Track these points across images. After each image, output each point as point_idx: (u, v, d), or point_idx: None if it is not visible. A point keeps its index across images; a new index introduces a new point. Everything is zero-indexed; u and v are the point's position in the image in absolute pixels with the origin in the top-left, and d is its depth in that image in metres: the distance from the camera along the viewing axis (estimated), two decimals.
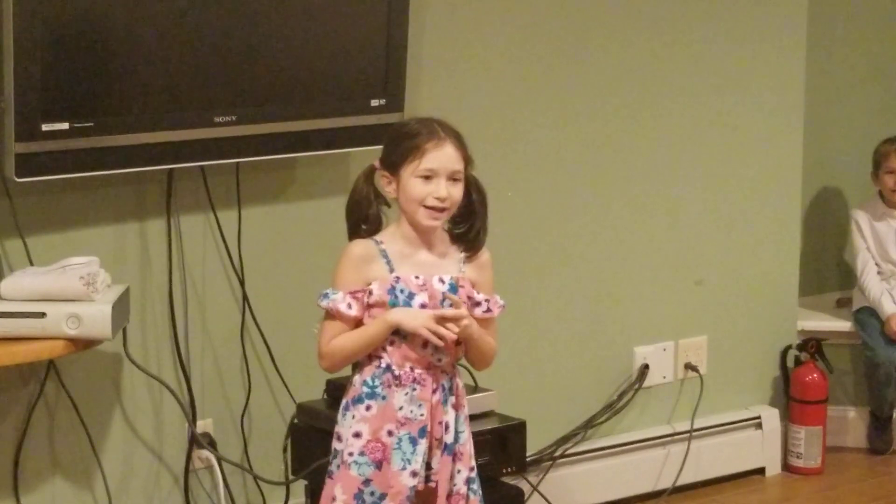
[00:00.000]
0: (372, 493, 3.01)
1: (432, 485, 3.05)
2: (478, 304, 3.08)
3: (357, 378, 3.06)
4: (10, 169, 3.32)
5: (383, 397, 3.02)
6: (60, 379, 3.61)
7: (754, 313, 4.76)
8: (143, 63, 3.45)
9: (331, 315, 3.02)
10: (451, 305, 3.00)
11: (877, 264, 4.92)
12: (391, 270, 3.02)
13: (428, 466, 3.04)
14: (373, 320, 3.00)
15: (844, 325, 4.92)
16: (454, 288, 3.03)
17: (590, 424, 4.43)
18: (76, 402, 3.63)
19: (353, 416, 3.03)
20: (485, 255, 3.11)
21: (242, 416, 3.87)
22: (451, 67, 4.08)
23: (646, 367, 4.53)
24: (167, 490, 3.80)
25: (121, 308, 3.41)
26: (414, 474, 3.00)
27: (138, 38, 3.43)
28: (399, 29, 3.78)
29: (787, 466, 4.79)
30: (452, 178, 3.00)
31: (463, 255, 3.08)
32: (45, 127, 3.31)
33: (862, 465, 4.86)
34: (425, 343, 3.00)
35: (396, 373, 3.02)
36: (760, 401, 4.82)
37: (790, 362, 4.82)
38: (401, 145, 3.01)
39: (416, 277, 3.02)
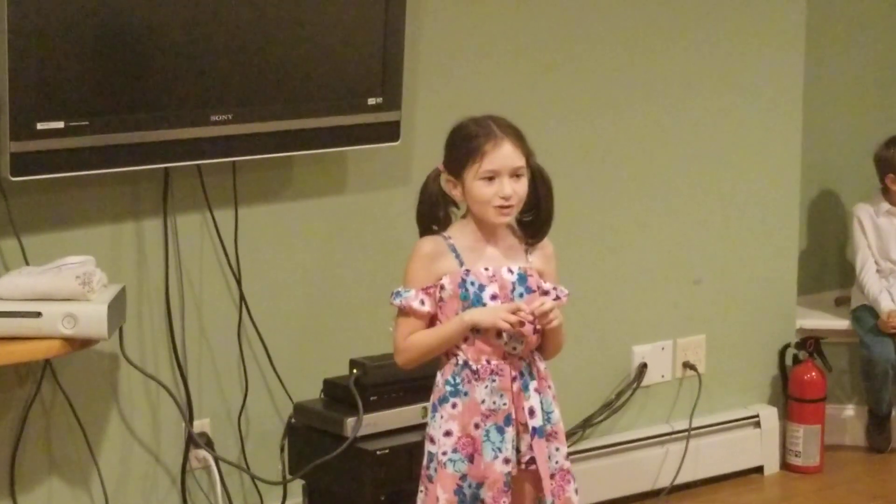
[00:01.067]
0: (470, 486, 3.08)
1: (523, 467, 3.11)
2: (546, 292, 3.14)
3: (440, 378, 3.13)
4: (6, 168, 3.31)
5: (465, 393, 3.09)
6: (57, 379, 3.59)
7: (752, 312, 4.74)
8: (138, 62, 3.44)
9: (404, 312, 3.08)
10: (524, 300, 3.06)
11: (876, 262, 4.89)
12: (461, 264, 3.08)
13: (517, 451, 3.10)
14: (449, 320, 3.07)
15: (843, 324, 4.90)
16: (523, 277, 3.10)
17: (588, 424, 4.42)
18: (73, 402, 3.62)
19: (442, 416, 3.10)
20: (549, 246, 3.20)
21: (240, 415, 3.87)
22: (448, 65, 4.07)
23: (644, 365, 4.52)
24: (164, 490, 3.79)
25: (117, 307, 3.40)
26: (507, 461, 3.07)
27: (134, 37, 3.42)
28: (396, 27, 3.77)
29: (785, 465, 4.78)
30: (515, 174, 3.07)
31: (525, 246, 3.15)
32: (40, 126, 3.30)
33: (860, 463, 4.84)
34: (499, 333, 3.05)
35: (474, 367, 3.08)
36: (759, 399, 4.81)
37: (788, 361, 4.81)
38: (460, 149, 3.08)
39: (486, 269, 3.08)
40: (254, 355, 3.87)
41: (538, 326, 3.07)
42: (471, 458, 3.08)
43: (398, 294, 3.08)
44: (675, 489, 4.51)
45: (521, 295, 3.10)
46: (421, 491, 3.14)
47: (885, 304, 4.77)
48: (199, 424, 3.80)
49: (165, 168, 3.64)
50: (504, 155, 3.04)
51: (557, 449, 3.16)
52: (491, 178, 3.04)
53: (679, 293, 4.59)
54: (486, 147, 3.04)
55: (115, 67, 3.40)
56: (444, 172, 3.11)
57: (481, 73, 4.13)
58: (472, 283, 3.07)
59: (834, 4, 5.07)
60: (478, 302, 3.07)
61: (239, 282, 3.82)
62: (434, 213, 3.12)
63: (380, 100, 3.77)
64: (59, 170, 3.38)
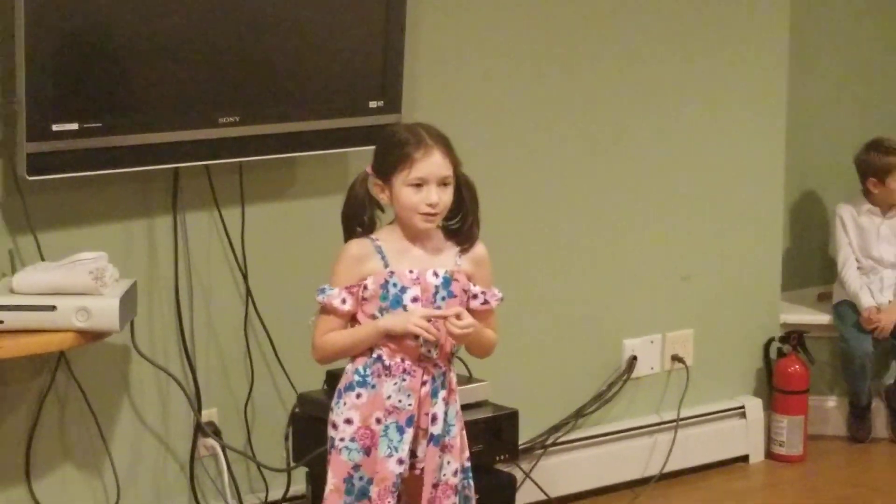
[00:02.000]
0: (361, 478, 3.03)
1: (417, 472, 3.05)
2: (475, 296, 3.08)
3: (350, 367, 3.08)
4: (22, 168, 3.32)
5: (373, 386, 3.03)
6: (70, 370, 3.60)
7: (738, 307, 4.74)
8: (149, 66, 3.45)
9: (326, 310, 3.04)
10: (442, 307, 3.00)
11: (857, 259, 4.90)
12: (386, 265, 3.03)
13: (412, 454, 3.05)
14: (364, 324, 3.02)
15: (825, 319, 4.91)
16: (448, 281, 3.04)
17: (580, 414, 4.42)
18: (86, 392, 3.62)
19: (345, 404, 3.05)
20: (480, 249, 3.11)
21: (246, 405, 3.87)
22: (446, 69, 4.07)
23: (634, 358, 4.52)
24: (173, 477, 3.80)
25: (128, 301, 3.41)
26: (400, 462, 3.02)
27: (145, 42, 3.43)
28: (397, 32, 3.78)
29: (770, 454, 4.78)
30: (442, 183, 3.01)
31: (458, 249, 3.08)
32: (55, 127, 3.31)
33: (842, 452, 4.85)
34: (416, 335, 3.00)
35: (387, 363, 3.03)
36: (744, 391, 4.81)
37: (773, 354, 4.81)
38: (391, 154, 3.02)
39: (411, 272, 3.03)
40: (259, 348, 3.87)
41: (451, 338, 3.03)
42: (367, 451, 3.01)
43: (322, 291, 3.03)
44: (664, 477, 4.51)
45: (443, 298, 3.03)
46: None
47: (866, 301, 4.79)
48: (207, 414, 3.80)
49: (175, 168, 3.64)
50: (433, 163, 2.99)
51: (448, 462, 3.05)
52: (419, 185, 2.98)
53: (668, 289, 4.59)
54: (417, 155, 2.98)
55: (127, 71, 3.41)
56: (372, 176, 3.05)
57: (478, 77, 4.13)
58: (395, 285, 3.01)
59: (816, 11, 5.07)
60: (397, 304, 3.01)
61: (245, 277, 3.82)
62: (359, 215, 3.06)
63: (380, 103, 3.77)
64: (74, 169, 3.38)
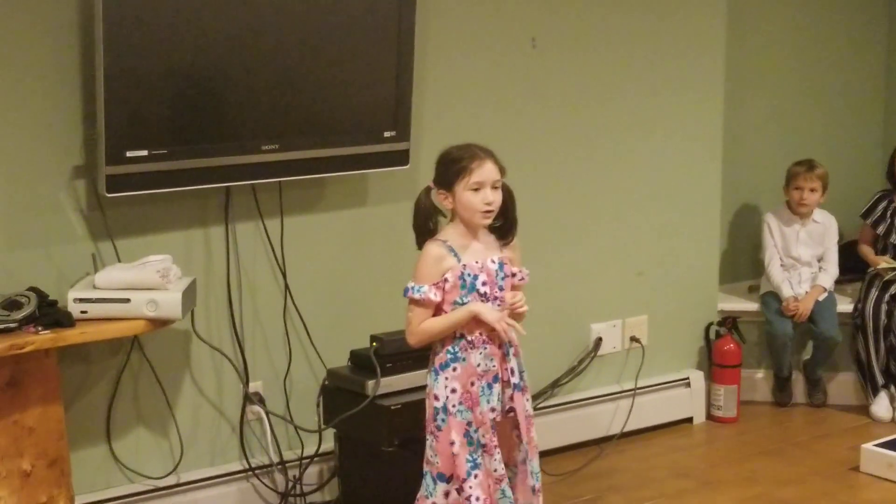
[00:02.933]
0: (475, 431, 3.08)
1: (512, 415, 3.12)
2: (514, 274, 3.17)
3: (440, 348, 3.12)
4: (102, 187, 3.31)
5: (463, 359, 3.09)
6: (143, 351, 3.59)
7: (684, 297, 4.73)
8: (205, 104, 3.44)
9: (419, 303, 3.08)
10: (502, 286, 3.10)
11: (781, 259, 4.86)
12: (459, 261, 3.09)
13: (501, 402, 3.12)
14: (457, 309, 3.06)
15: (754, 306, 4.87)
16: (502, 266, 3.14)
17: (556, 385, 4.41)
18: (155, 368, 3.62)
19: (446, 378, 3.09)
20: (515, 239, 3.21)
21: (285, 378, 3.85)
22: (445, 105, 4.05)
23: (600, 339, 4.51)
24: (226, 437, 3.78)
25: (189, 295, 3.40)
26: (493, 410, 3.10)
27: (202, 84, 3.42)
28: (406, 76, 3.76)
29: (710, 416, 4.76)
30: (494, 186, 3.08)
31: (500, 241, 3.16)
32: (129, 153, 3.31)
33: (768, 415, 4.82)
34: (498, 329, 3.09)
35: (470, 338, 3.09)
36: (689, 366, 4.79)
37: (712, 335, 4.79)
38: (451, 168, 3.08)
39: (476, 262, 3.10)
40: (296, 331, 3.85)
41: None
42: (471, 409, 3.09)
43: (415, 289, 3.07)
44: (624, 435, 4.49)
45: (502, 278, 3.13)
46: (429, 439, 3.12)
47: (786, 292, 4.75)
48: (254, 386, 3.79)
49: (227, 186, 3.63)
50: (487, 170, 3.07)
51: (528, 400, 3.18)
52: (477, 189, 3.05)
53: (627, 282, 4.58)
54: (473, 165, 3.05)
55: (188, 107, 3.40)
56: (434, 189, 3.10)
57: (471, 113, 4.11)
58: (469, 275, 3.09)
59: (752, 37, 5.01)
60: (473, 289, 3.09)
61: (284, 275, 3.80)
62: (426, 223, 3.12)
63: (393, 133, 3.77)
64: (144, 188, 3.37)
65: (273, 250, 3.78)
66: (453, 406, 3.09)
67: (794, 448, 4.46)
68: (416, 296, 3.07)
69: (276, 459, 3.79)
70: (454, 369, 3.11)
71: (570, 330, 4.46)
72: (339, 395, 3.66)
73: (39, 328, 3.14)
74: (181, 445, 3.68)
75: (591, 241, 4.47)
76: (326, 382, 3.74)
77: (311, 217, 3.84)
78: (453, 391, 3.10)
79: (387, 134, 3.76)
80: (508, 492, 3.12)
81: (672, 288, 4.69)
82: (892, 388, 4.74)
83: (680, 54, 4.56)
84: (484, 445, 3.10)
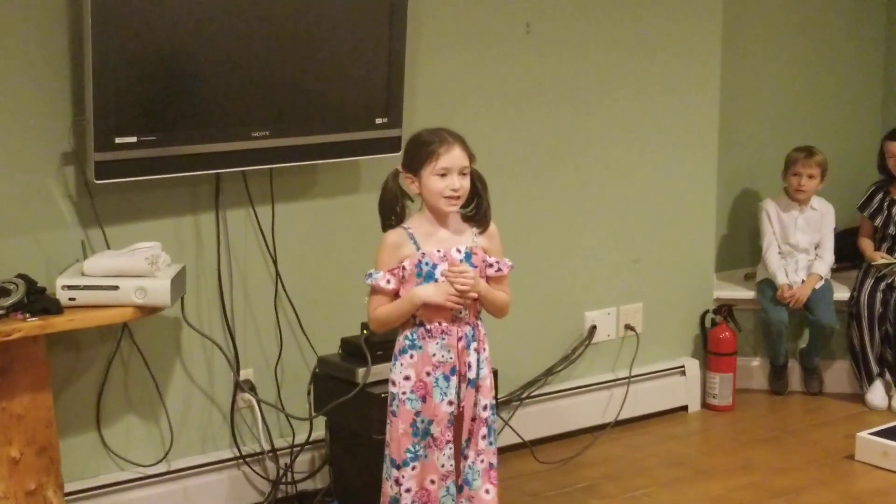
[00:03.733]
0: (423, 421, 3.05)
1: (460, 411, 3.08)
2: (490, 265, 3.11)
3: (400, 335, 3.10)
4: (91, 173, 3.31)
5: (420, 347, 3.06)
6: (133, 338, 3.59)
7: (679, 285, 4.71)
8: (195, 89, 3.42)
9: (374, 290, 3.06)
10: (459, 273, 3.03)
11: (778, 246, 4.84)
12: (418, 249, 3.05)
13: (459, 397, 3.08)
14: (404, 297, 3.03)
15: (750, 294, 4.85)
16: (469, 255, 3.07)
17: (549, 373, 4.39)
18: (145, 356, 3.61)
19: (402, 364, 3.07)
20: (492, 227, 3.14)
21: (276, 366, 3.84)
22: (436, 92, 4.02)
23: (594, 327, 4.49)
24: (217, 425, 3.78)
25: (178, 282, 3.39)
26: (450, 403, 3.06)
27: (190, 70, 3.40)
28: (398, 62, 3.74)
29: (705, 405, 4.75)
30: (461, 172, 3.04)
31: (475, 230, 3.10)
32: (117, 140, 3.29)
33: (764, 403, 4.81)
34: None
35: (428, 327, 3.05)
36: (684, 354, 4.78)
37: (707, 323, 4.78)
38: (420, 152, 3.04)
39: (438, 251, 3.05)
40: (287, 319, 3.84)
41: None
42: (423, 399, 3.05)
43: (370, 276, 3.04)
44: (618, 424, 4.49)
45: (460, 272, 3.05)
46: (388, 423, 3.11)
47: (781, 279, 4.74)
48: (245, 373, 3.78)
49: (217, 173, 3.61)
50: (454, 156, 3.02)
51: (480, 400, 3.09)
52: (443, 175, 3.01)
53: (622, 269, 4.56)
54: (441, 150, 3.01)
55: (177, 94, 3.38)
56: (402, 172, 3.05)
57: (464, 100, 4.09)
58: (427, 264, 3.04)
59: (749, 19, 4.96)
60: (430, 278, 3.03)
61: (275, 262, 3.79)
62: (392, 207, 3.07)
63: (385, 119, 3.75)
64: (133, 175, 3.36)
65: (264, 238, 3.77)
66: (403, 393, 3.06)
67: (790, 436, 4.45)
68: (369, 282, 3.05)
69: (267, 447, 3.79)
70: (411, 356, 3.07)
71: (563, 318, 4.44)
72: (329, 382, 3.65)
73: (27, 315, 3.14)
74: (171, 433, 3.67)
75: (585, 228, 4.45)
76: (317, 370, 3.73)
77: (302, 204, 3.83)
78: (406, 378, 3.06)
79: (378, 121, 3.74)
80: (453, 489, 3.07)
81: (667, 275, 4.67)
82: (888, 375, 4.73)
83: (676, 37, 4.54)
84: (434, 438, 3.05)
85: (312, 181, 3.85)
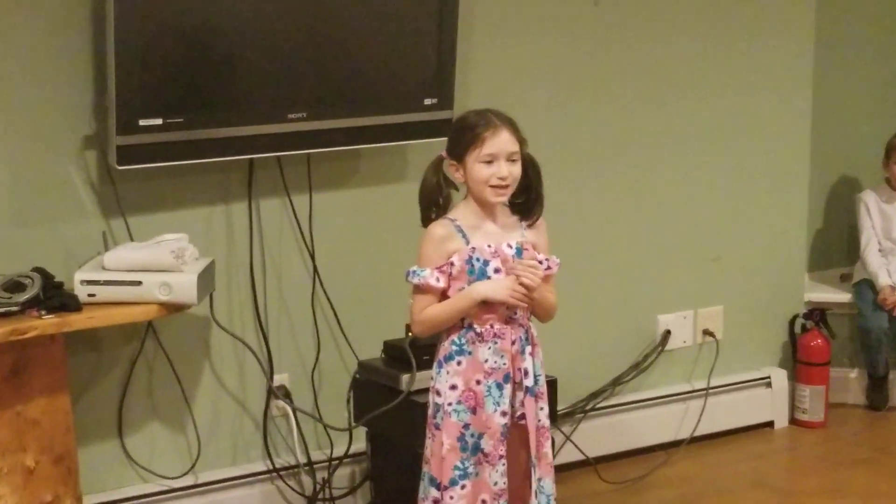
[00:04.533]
0: (472, 435, 3.06)
1: (522, 423, 3.09)
2: (540, 262, 3.11)
3: (446, 339, 3.11)
4: (113, 158, 3.36)
5: (469, 353, 3.07)
6: (158, 338, 3.65)
7: (765, 286, 4.70)
8: (225, 67, 3.48)
9: (421, 289, 3.07)
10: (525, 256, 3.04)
11: (879, 242, 4.85)
12: (467, 243, 3.06)
13: (511, 406, 3.09)
14: (459, 294, 3.04)
15: (846, 297, 4.85)
16: (520, 251, 3.08)
17: (617, 382, 4.41)
18: (171, 358, 3.68)
19: (448, 372, 3.08)
20: (542, 221, 3.16)
21: (313, 371, 3.89)
22: (494, 70, 4.06)
23: (668, 332, 4.50)
24: (249, 434, 3.84)
25: (206, 278, 3.44)
26: (504, 414, 3.06)
27: (221, 46, 3.46)
28: (449, 37, 3.78)
29: (793, 420, 4.75)
30: (510, 158, 3.05)
31: (524, 222, 3.12)
32: (142, 122, 3.34)
33: (861, 419, 4.80)
34: (511, 304, 3.06)
35: (479, 330, 3.07)
36: (770, 363, 4.78)
37: (797, 329, 4.77)
38: (464, 137, 3.06)
39: (489, 246, 3.07)
40: (325, 319, 3.89)
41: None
42: (473, 410, 3.06)
43: (415, 273, 3.05)
44: (695, 440, 4.49)
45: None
46: (428, 437, 3.12)
47: (883, 280, 4.73)
48: (279, 378, 3.83)
49: (250, 159, 3.67)
50: (502, 141, 3.02)
51: (542, 408, 3.13)
52: (490, 162, 3.02)
53: (700, 269, 4.56)
54: (486, 134, 3.02)
55: (206, 72, 3.44)
56: (447, 158, 3.08)
57: (523, 79, 4.12)
58: (478, 259, 3.05)
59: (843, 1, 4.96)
60: (483, 276, 3.05)
61: (313, 257, 3.84)
62: (435, 197, 3.08)
63: (435, 100, 3.78)
64: (158, 160, 3.41)
65: (301, 230, 3.83)
66: (449, 404, 3.06)
67: (889, 458, 4.45)
68: (415, 280, 3.05)
69: (303, 460, 3.84)
70: (458, 363, 3.07)
71: (634, 322, 4.46)
72: (371, 389, 3.70)
73: (43, 312, 3.20)
74: (199, 443, 3.73)
75: (659, 221, 4.47)
76: (358, 376, 3.78)
77: (342, 193, 3.87)
78: (453, 388, 3.06)
79: (427, 101, 3.78)
80: None
81: (752, 275, 4.67)
82: None
83: (765, 11, 4.54)
84: (486, 453, 3.07)
85: (354, 168, 3.89)
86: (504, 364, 3.08)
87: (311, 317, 3.88)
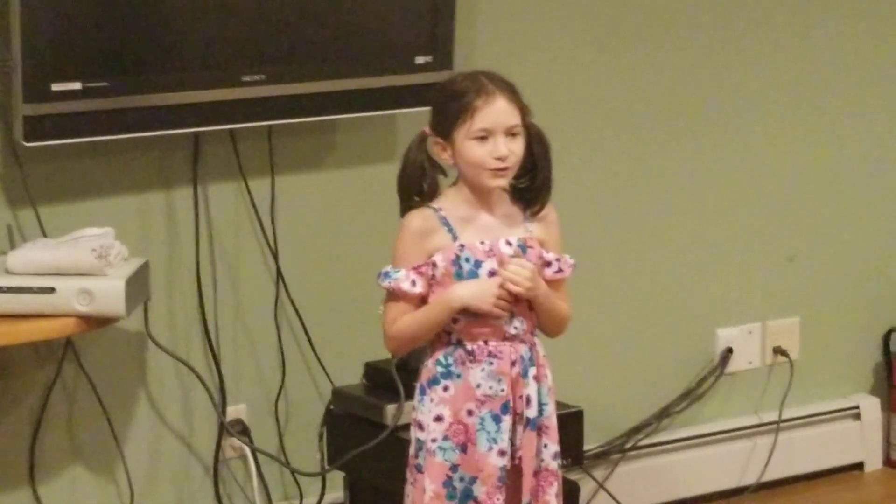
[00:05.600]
0: (461, 479, 3.02)
1: (516, 462, 3.06)
2: (548, 264, 3.08)
3: (430, 359, 3.07)
4: (19, 132, 3.34)
5: (458, 375, 3.03)
6: (79, 360, 3.62)
7: (853, 292, 4.66)
8: (161, 16, 3.45)
9: (394, 295, 3.03)
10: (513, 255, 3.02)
11: None
12: (455, 238, 3.02)
13: (512, 443, 3.06)
14: (435, 300, 3.01)
15: None
16: (523, 249, 3.04)
17: (665, 413, 4.37)
18: (96, 385, 3.64)
19: (431, 400, 3.05)
20: (551, 211, 3.12)
21: (277, 401, 3.87)
22: (509, 19, 4.02)
23: (729, 350, 4.46)
24: (197, 481, 3.81)
25: (137, 283, 3.41)
26: (502, 453, 3.02)
27: None
28: None
29: (889, 461, 4.71)
30: (510, 133, 3.00)
31: (527, 212, 3.09)
32: (55, 87, 3.32)
33: None
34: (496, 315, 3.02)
35: (469, 348, 3.03)
36: (859, 389, 4.73)
37: (894, 347, 4.71)
38: (449, 107, 3.01)
39: (482, 243, 3.03)
40: (293, 335, 3.86)
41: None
42: (463, 448, 3.01)
43: (386, 275, 3.02)
44: (763, 486, 4.46)
45: None
46: (408, 482, 3.09)
47: None
48: (235, 410, 3.81)
49: (195, 133, 3.63)
50: (498, 111, 2.96)
51: (546, 446, 3.07)
52: (484, 138, 2.96)
53: (770, 271, 4.52)
54: (478, 103, 2.96)
55: (137, 22, 3.40)
56: (431, 135, 3.04)
57: (547, 29, 4.08)
58: (468, 260, 3.01)
59: None
60: (474, 278, 3.00)
61: (276, 256, 3.81)
62: (418, 183, 3.05)
63: (429, 58, 3.74)
64: (78, 135, 3.39)
65: (260, 222, 3.80)
66: (434, 440, 3.02)
67: None
68: (386, 284, 3.03)
69: None
70: (444, 389, 3.02)
71: (685, 337, 4.42)
72: (349, 424, 3.69)
73: None
74: (131, 492, 3.70)
75: (718, 213, 4.44)
76: (332, 407, 3.76)
77: (314, 176, 3.85)
78: (438, 419, 3.03)
79: (420, 60, 3.74)
80: None
81: (835, 280, 4.64)
82: None
83: None
84: (478, 502, 3.02)
85: (329, 143, 3.86)
86: (502, 391, 3.03)
87: (274, 332, 3.85)
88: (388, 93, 3.72)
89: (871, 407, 4.68)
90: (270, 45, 3.55)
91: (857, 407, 4.66)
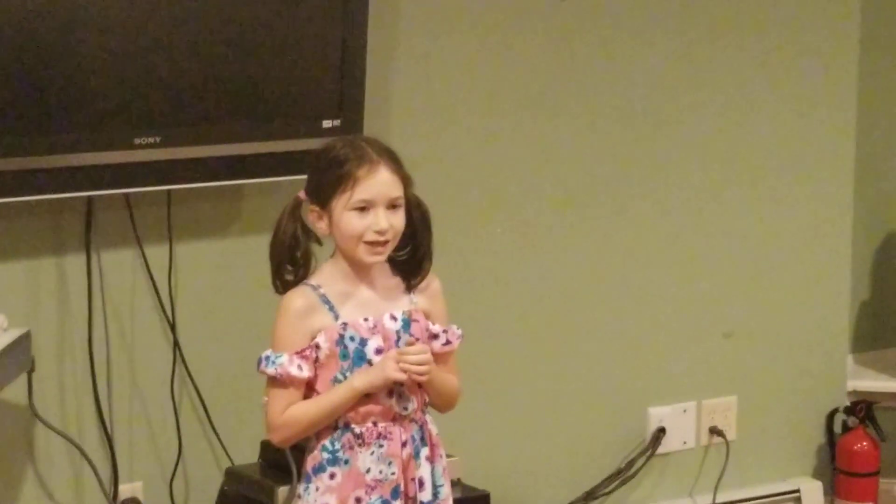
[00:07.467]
0: None
1: None
2: (435, 336, 3.02)
3: (315, 443, 2.99)
4: None
5: (346, 461, 2.95)
6: None
7: (794, 370, 4.60)
8: (51, 74, 3.41)
9: (279, 382, 2.94)
10: (408, 343, 2.95)
11: None
12: (336, 317, 2.94)
13: None
14: (335, 387, 2.93)
15: None
16: (408, 323, 2.97)
17: (591, 496, 4.30)
18: None
19: (317, 489, 2.97)
20: (434, 280, 3.06)
21: (172, 479, 3.79)
22: (419, 81, 3.97)
23: (661, 430, 4.41)
24: None
25: (16, 354, 3.34)
26: None
27: (45, 46, 3.38)
28: (357, 40, 3.71)
29: None
30: (392, 205, 2.93)
31: (409, 284, 3.03)
32: None
33: None
34: (390, 392, 2.94)
35: (357, 431, 2.95)
36: (800, 472, 4.66)
37: (837, 428, 4.65)
38: (328, 175, 2.94)
39: (366, 320, 2.95)
40: (192, 409, 3.81)
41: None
42: None
43: (268, 360, 2.92)
44: None
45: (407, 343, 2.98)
46: None
47: None
48: (130, 488, 3.73)
49: (88, 197, 3.58)
50: (380, 182, 2.90)
51: None
52: (363, 209, 2.90)
53: (706, 348, 4.48)
54: (360, 173, 2.89)
55: (25, 80, 3.37)
56: (307, 201, 2.97)
57: (463, 99, 4.04)
58: (352, 339, 2.93)
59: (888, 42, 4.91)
60: (360, 360, 2.92)
61: (173, 327, 3.75)
62: (289, 252, 2.97)
63: (337, 122, 3.70)
64: None
65: (157, 291, 3.74)
66: None
67: None
68: (270, 370, 2.93)
69: None
70: (331, 476, 2.94)
71: (614, 415, 4.37)
72: None
73: None
74: None
75: (651, 285, 4.40)
76: (226, 488, 3.71)
77: (215, 243, 3.81)
78: None
79: (327, 123, 3.70)
80: None
81: (776, 356, 4.59)
82: None
83: (795, 21, 4.50)
84: None
85: (235, 210, 3.82)
86: (392, 474, 2.94)
87: (171, 406, 3.78)
88: (294, 157, 3.64)
89: (813, 491, 4.62)
90: (165, 107, 3.51)
91: (797, 490, 4.61)
